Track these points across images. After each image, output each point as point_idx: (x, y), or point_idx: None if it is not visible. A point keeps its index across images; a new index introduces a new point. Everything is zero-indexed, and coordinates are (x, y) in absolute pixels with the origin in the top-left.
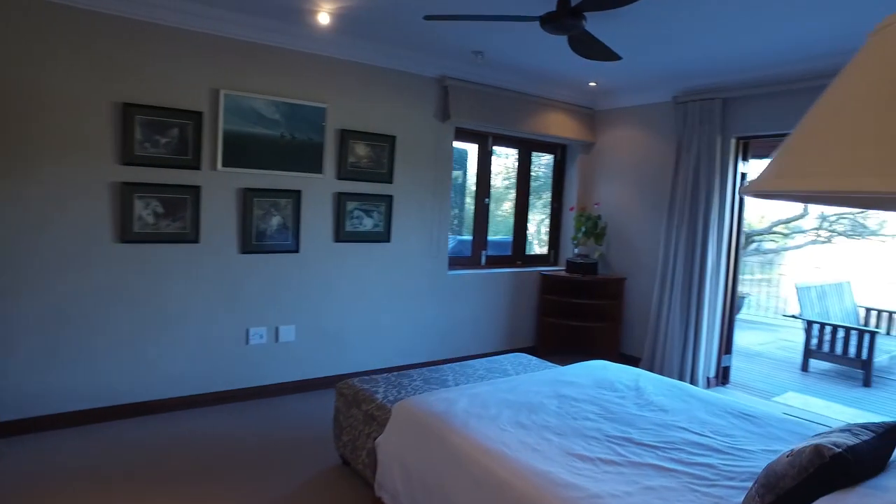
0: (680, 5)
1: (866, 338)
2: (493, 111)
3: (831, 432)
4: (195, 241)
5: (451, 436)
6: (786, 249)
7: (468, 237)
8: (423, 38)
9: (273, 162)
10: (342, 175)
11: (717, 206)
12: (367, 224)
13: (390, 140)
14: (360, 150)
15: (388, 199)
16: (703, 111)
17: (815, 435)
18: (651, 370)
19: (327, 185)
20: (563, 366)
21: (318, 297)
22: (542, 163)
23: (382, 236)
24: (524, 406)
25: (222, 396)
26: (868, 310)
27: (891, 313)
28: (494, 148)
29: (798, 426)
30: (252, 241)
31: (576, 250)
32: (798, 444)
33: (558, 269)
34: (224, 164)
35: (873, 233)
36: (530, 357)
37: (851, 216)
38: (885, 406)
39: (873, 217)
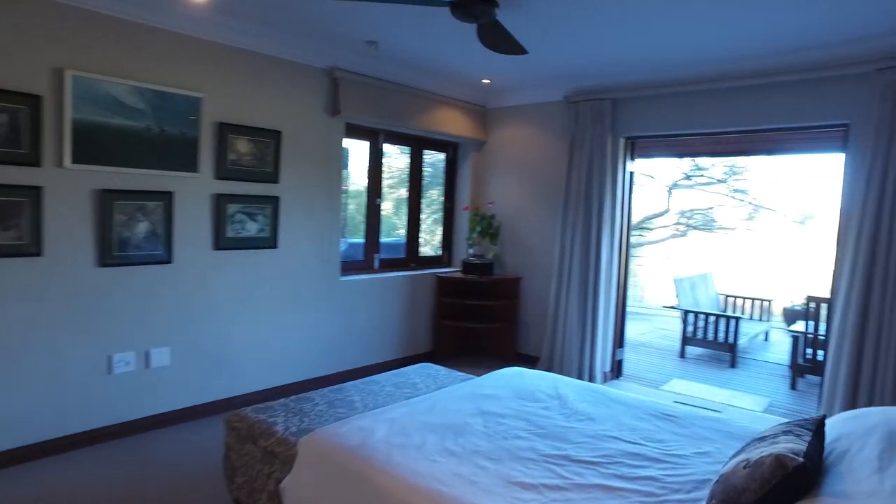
0: (570, 5)
1: (732, 323)
2: (385, 107)
3: (775, 435)
4: (36, 253)
5: (373, 474)
6: (650, 243)
7: (358, 240)
8: (312, 23)
9: (138, 159)
10: (221, 174)
11: (609, 204)
12: (252, 229)
13: (275, 136)
14: (242, 146)
15: (275, 201)
16: (594, 111)
17: (758, 439)
18: (550, 369)
19: (204, 185)
20: (468, 373)
21: (196, 312)
22: (433, 161)
23: (269, 242)
24: (449, 429)
25: (80, 439)
26: (727, 297)
27: (745, 299)
28: (385, 146)
29: (718, 423)
30: (113, 252)
31: (470, 251)
32: (746, 451)
33: (454, 271)
34: (74, 161)
35: (721, 227)
36: (437, 367)
37: (703, 212)
38: (750, 384)
39: (720, 211)
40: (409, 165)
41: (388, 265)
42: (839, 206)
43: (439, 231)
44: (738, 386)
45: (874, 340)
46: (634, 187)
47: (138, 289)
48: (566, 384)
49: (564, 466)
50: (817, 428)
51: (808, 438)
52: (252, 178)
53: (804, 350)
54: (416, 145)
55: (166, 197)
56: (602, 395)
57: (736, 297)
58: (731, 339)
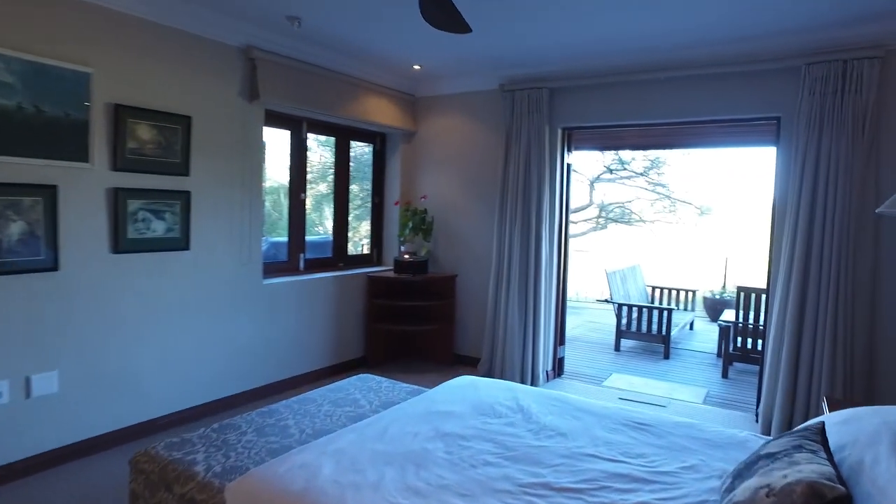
0: None
1: (665, 315)
2: (308, 92)
3: (787, 452)
4: None
5: None
6: (572, 236)
7: (280, 238)
8: None
9: (6, 144)
10: (120, 165)
11: (548, 197)
12: (159, 228)
13: (185, 122)
14: (144, 132)
15: (185, 197)
16: (531, 100)
17: (765, 456)
18: (491, 371)
19: (98, 177)
20: (407, 380)
21: (92, 326)
22: (359, 154)
23: (179, 243)
24: (407, 458)
25: None
26: (654, 288)
27: (671, 290)
28: (309, 136)
29: (693, 430)
30: None
31: (402, 248)
32: (759, 473)
33: (385, 270)
34: None
35: (639, 220)
36: (377, 379)
37: (622, 205)
38: (685, 374)
39: (636, 204)
40: (334, 157)
41: (315, 266)
42: (772, 198)
43: (365, 227)
44: (674, 377)
45: (811, 329)
46: (571, 180)
47: (14, 302)
48: (525, 394)
49: (547, 498)
50: (823, 438)
51: (823, 455)
52: (158, 170)
53: (735, 339)
54: (342, 136)
55: (48, 191)
56: (566, 405)
57: (662, 289)
58: (664, 331)
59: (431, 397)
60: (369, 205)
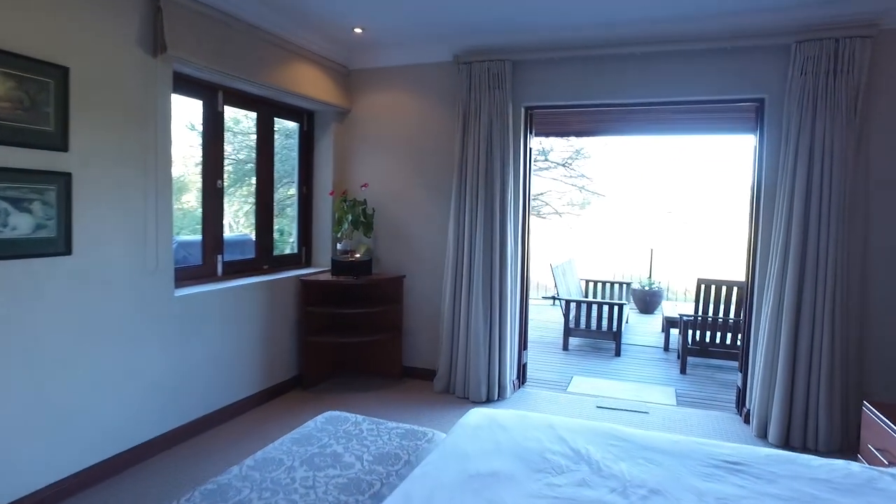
0: None
1: (616, 310)
2: (227, 51)
3: None
4: None
5: None
6: None
7: (190, 237)
8: None
9: None
10: None
11: (513, 186)
12: (23, 225)
13: (59, 74)
14: None
15: (63, 180)
16: (491, 74)
17: None
18: (451, 386)
19: None
20: (353, 400)
21: None
22: (283, 135)
23: (55, 245)
24: None
25: None
26: (587, 281)
27: (604, 283)
28: (227, 109)
29: (796, 466)
30: None
31: (339, 246)
32: None
33: (320, 272)
34: None
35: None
36: (353, 418)
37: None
38: (643, 372)
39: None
40: (256, 137)
41: (235, 269)
42: (753, 186)
43: (289, 223)
44: (634, 377)
45: (809, 321)
46: (531, 167)
47: None
48: (569, 431)
49: None
50: None
51: None
52: (17, 141)
53: (694, 333)
54: (266, 111)
55: None
56: (628, 444)
57: (595, 282)
58: (614, 327)
59: (457, 450)
60: (295, 196)
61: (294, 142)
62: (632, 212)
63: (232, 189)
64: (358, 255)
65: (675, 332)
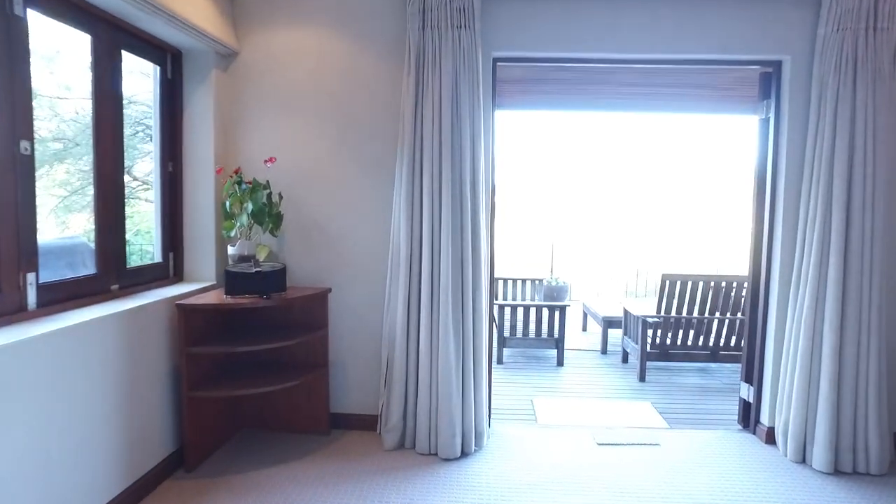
0: None
1: (557, 314)
2: None
3: None
4: None
5: None
6: None
7: None
8: None
9: None
10: None
11: (485, 165)
12: None
13: None
14: None
15: None
16: (455, 9)
17: None
18: (406, 438)
19: None
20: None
21: None
22: (133, 79)
23: None
24: None
25: None
26: (496, 279)
27: (514, 280)
28: (38, 22)
29: None
30: None
31: (231, 249)
32: None
33: (201, 290)
34: None
35: None
36: None
37: None
38: (598, 385)
39: None
40: (92, 81)
41: (62, 296)
42: (757, 169)
43: (145, 217)
44: (595, 392)
45: (855, 324)
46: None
47: None
48: None
49: None
50: None
51: None
52: None
53: (655, 336)
54: (106, 35)
55: None
56: None
57: (506, 280)
58: (555, 333)
59: None
60: (155, 175)
61: (153, 93)
62: (537, 203)
63: (52, 161)
64: (263, 262)
65: (613, 332)
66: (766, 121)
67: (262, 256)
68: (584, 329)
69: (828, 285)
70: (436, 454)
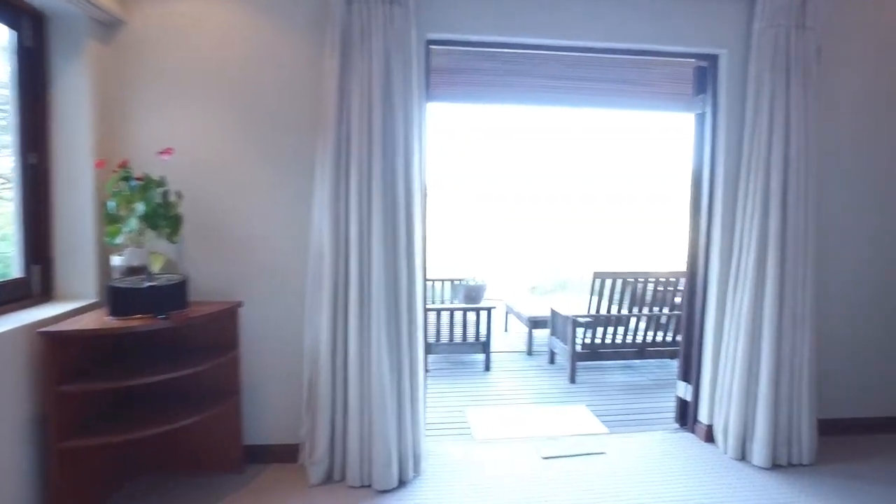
0: None
1: (483, 316)
2: None
3: None
4: None
5: None
6: None
7: None
8: None
9: None
10: None
11: (418, 160)
12: None
13: None
14: None
15: None
16: None
17: None
18: (334, 469)
19: None
20: None
21: None
22: None
23: None
24: None
25: None
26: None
27: (433, 281)
28: None
29: None
30: None
31: (117, 260)
32: None
33: (76, 310)
34: None
35: None
36: None
37: None
38: (531, 389)
39: None
40: None
41: None
42: (695, 165)
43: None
44: (528, 397)
45: (791, 320)
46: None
47: None
48: None
49: None
50: None
51: None
52: None
53: (584, 336)
54: None
55: None
56: None
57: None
58: (483, 337)
59: None
60: (16, 171)
61: (9, 66)
62: (453, 200)
63: None
64: (154, 274)
65: (537, 332)
66: (702, 116)
67: (156, 267)
68: (506, 330)
69: (767, 283)
70: (370, 486)
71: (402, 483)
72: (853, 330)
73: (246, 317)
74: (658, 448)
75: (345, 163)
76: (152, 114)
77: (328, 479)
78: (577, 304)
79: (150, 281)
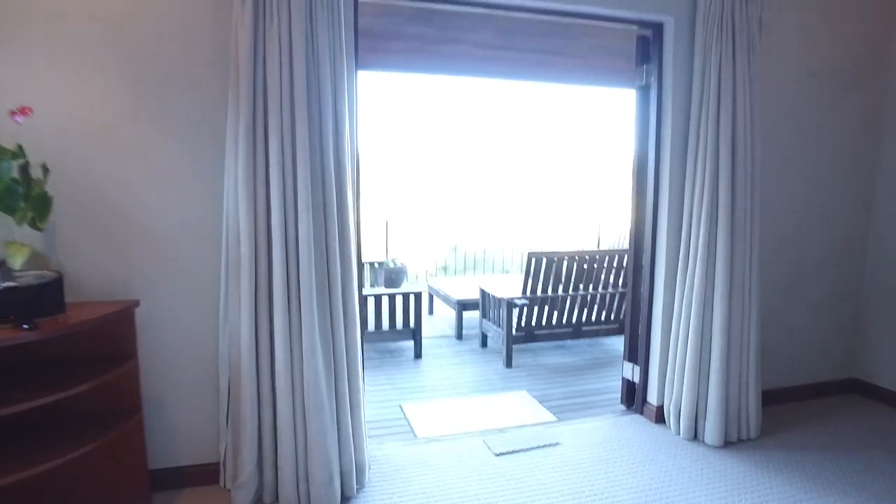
0: None
1: (412, 301)
2: None
3: None
4: None
5: None
6: None
7: None
8: None
9: None
10: None
11: (349, 128)
12: None
13: None
14: None
15: None
16: None
17: None
18: (269, 489)
19: None
20: None
21: None
22: None
23: None
24: None
25: None
26: None
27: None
28: None
29: None
30: None
31: None
32: None
33: None
34: None
35: None
36: None
37: None
38: (465, 376)
39: None
40: None
41: None
42: (645, 143)
43: None
44: (465, 387)
45: (740, 297)
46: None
47: None
48: None
49: None
50: None
51: None
52: None
53: (519, 318)
54: None
55: None
56: None
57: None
58: (412, 323)
59: None
60: None
61: None
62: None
63: None
64: (16, 270)
65: (467, 315)
66: (646, 88)
67: (18, 262)
68: (431, 313)
69: (717, 261)
70: None
71: (345, 499)
72: (783, 301)
73: (145, 318)
74: (611, 434)
75: (262, 130)
76: (1, 61)
77: (257, 502)
78: (503, 284)
79: (7, 280)
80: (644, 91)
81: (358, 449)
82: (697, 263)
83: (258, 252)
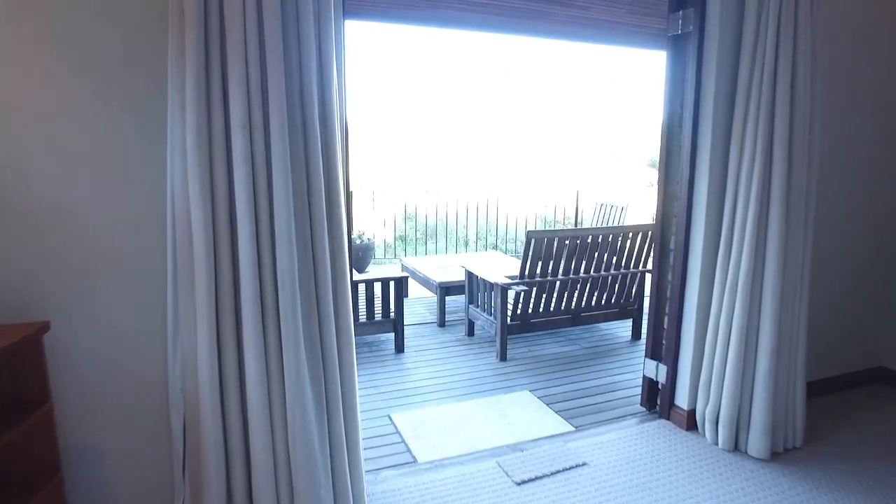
0: None
1: (395, 288)
2: None
3: None
4: None
5: None
6: None
7: None
8: None
9: None
10: None
11: (339, 90)
12: None
13: None
14: None
15: None
16: None
17: None
18: None
19: None
20: None
21: None
22: None
23: None
24: None
25: None
26: None
27: None
28: None
29: None
30: None
31: None
32: None
33: None
34: None
35: None
36: None
37: None
38: (457, 373)
39: None
40: None
41: None
42: (678, 110)
43: None
44: (460, 388)
45: (792, 289)
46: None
47: None
48: None
49: None
50: None
51: None
52: None
53: (515, 305)
54: None
55: None
56: None
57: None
58: (392, 314)
59: None
60: None
61: None
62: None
63: None
64: None
65: (450, 299)
66: (682, 37)
67: None
68: (406, 295)
69: (768, 245)
70: None
71: None
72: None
73: (61, 346)
74: (642, 449)
75: (218, 84)
76: None
77: None
78: (488, 264)
79: None
80: (679, 41)
81: (357, 493)
82: (745, 249)
83: (218, 252)
